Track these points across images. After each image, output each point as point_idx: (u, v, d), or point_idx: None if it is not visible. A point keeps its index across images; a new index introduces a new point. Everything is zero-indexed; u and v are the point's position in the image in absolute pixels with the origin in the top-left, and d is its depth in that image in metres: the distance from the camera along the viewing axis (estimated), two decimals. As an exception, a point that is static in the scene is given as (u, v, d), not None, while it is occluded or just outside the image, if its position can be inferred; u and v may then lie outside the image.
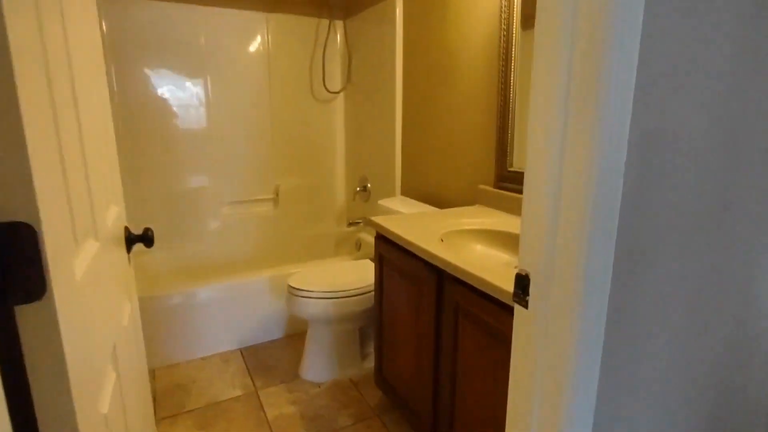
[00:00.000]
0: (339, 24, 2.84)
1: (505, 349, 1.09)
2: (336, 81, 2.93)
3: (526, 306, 0.75)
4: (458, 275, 1.19)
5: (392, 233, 1.51)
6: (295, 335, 2.45)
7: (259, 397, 1.93)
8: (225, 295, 2.25)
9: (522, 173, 1.65)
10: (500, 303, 1.08)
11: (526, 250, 0.74)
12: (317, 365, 2.06)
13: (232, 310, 2.28)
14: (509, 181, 1.72)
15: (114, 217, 0.93)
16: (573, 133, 0.63)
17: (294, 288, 1.94)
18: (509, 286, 1.03)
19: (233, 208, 2.78)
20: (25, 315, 0.47)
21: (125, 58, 2.34)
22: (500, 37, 1.67)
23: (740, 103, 0.73)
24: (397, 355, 1.63)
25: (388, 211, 2.13)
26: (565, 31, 0.62)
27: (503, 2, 1.62)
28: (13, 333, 0.46)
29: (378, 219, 1.64)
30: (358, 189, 2.79)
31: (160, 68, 2.43)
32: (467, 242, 1.52)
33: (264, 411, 1.84)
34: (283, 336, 2.44)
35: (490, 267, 1.17)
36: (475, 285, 1.12)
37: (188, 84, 2.51)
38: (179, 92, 2.50)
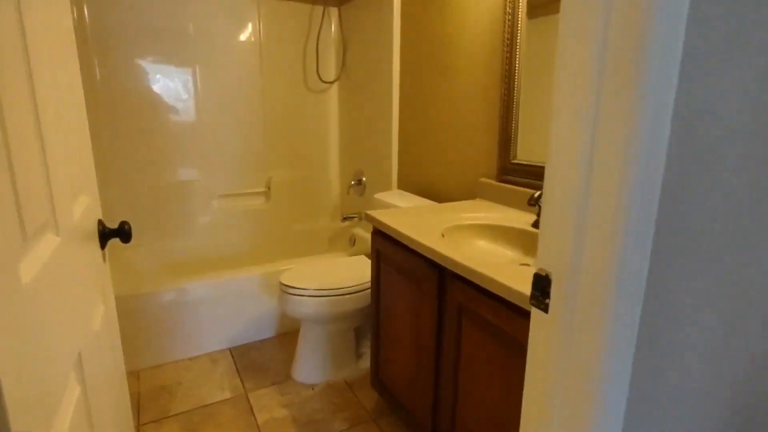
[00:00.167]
0: (333, 11, 2.74)
1: (514, 354, 1.01)
2: (330, 70, 2.83)
3: (545, 310, 0.67)
4: (463, 273, 1.11)
5: (390, 228, 1.42)
6: (288, 334, 2.36)
7: (248, 400, 1.84)
8: (214, 293, 2.16)
9: (527, 165, 1.57)
10: (509, 304, 1.00)
11: (548, 248, 0.65)
12: (310, 366, 1.97)
13: (221, 307, 2.19)
14: (512, 173, 1.64)
15: (83, 209, 0.84)
16: (608, 112, 0.54)
17: (286, 286, 1.85)
18: (519, 286, 0.95)
19: (223, 201, 2.68)
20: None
21: (110, 46, 2.22)
22: (504, 23, 1.58)
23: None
24: (394, 356, 1.55)
25: (384, 205, 2.04)
26: (600, -7, 0.53)
27: (508, -16, 1.53)
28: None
29: (375, 213, 1.55)
30: (352, 182, 2.69)
31: (146, 57, 2.31)
32: (470, 238, 1.44)
33: (254, 415, 1.75)
34: (275, 335, 2.35)
35: (496, 264, 1.08)
36: (482, 284, 1.04)
37: (176, 73, 2.40)
38: (167, 82, 2.39)
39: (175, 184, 2.51)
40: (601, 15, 0.53)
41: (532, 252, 1.36)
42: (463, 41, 1.81)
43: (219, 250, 2.70)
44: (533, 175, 1.55)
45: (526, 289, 0.93)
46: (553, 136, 0.62)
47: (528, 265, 1.31)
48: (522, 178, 1.60)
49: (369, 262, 2.11)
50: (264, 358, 2.14)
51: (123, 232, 0.98)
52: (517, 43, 1.55)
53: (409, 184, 2.26)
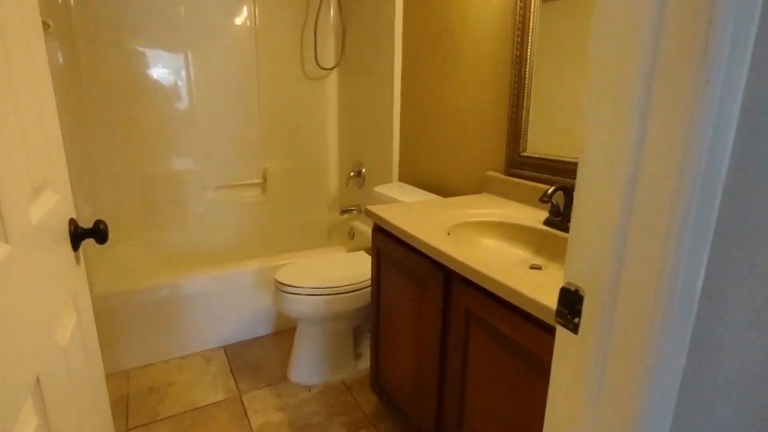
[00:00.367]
0: (332, -6, 2.62)
1: (528, 368, 0.92)
2: (329, 57, 2.71)
3: (575, 330, 0.58)
4: (472, 278, 1.01)
5: (392, 225, 1.33)
6: (284, 332, 2.28)
7: (242, 402, 1.76)
8: (208, 289, 2.07)
9: (537, 159, 1.48)
10: (523, 313, 0.91)
11: (579, 258, 0.56)
12: (307, 367, 1.89)
13: (215, 304, 2.10)
14: (522, 167, 1.54)
15: (48, 208, 0.74)
16: (662, 99, 0.45)
17: (282, 284, 1.76)
18: (542, 298, 0.85)
19: (218, 193, 2.58)
20: None
21: (96, 32, 2.11)
22: (516, 5, 1.47)
23: None
24: (395, 360, 1.46)
25: (384, 199, 1.94)
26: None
27: (520, -38, 1.42)
28: None
29: (376, 209, 1.45)
30: (352, 174, 2.59)
31: (135, 43, 2.20)
32: (477, 236, 1.35)
33: (248, 418, 1.67)
34: (271, 333, 2.27)
35: (507, 267, 0.99)
36: (496, 292, 0.95)
37: (168, 59, 2.29)
38: (158, 69, 2.27)
39: (166, 175, 2.41)
40: (658, -20, 0.44)
41: (542, 251, 1.27)
42: (470, 24, 1.70)
43: (213, 243, 2.60)
44: (544, 168, 1.46)
45: (545, 299, 0.84)
46: (588, 124, 0.53)
47: (539, 266, 1.22)
48: (532, 172, 1.50)
49: (369, 258, 2.02)
50: (259, 358, 2.05)
51: (98, 232, 0.89)
52: (530, 26, 1.44)
53: (411, 176, 2.16)
